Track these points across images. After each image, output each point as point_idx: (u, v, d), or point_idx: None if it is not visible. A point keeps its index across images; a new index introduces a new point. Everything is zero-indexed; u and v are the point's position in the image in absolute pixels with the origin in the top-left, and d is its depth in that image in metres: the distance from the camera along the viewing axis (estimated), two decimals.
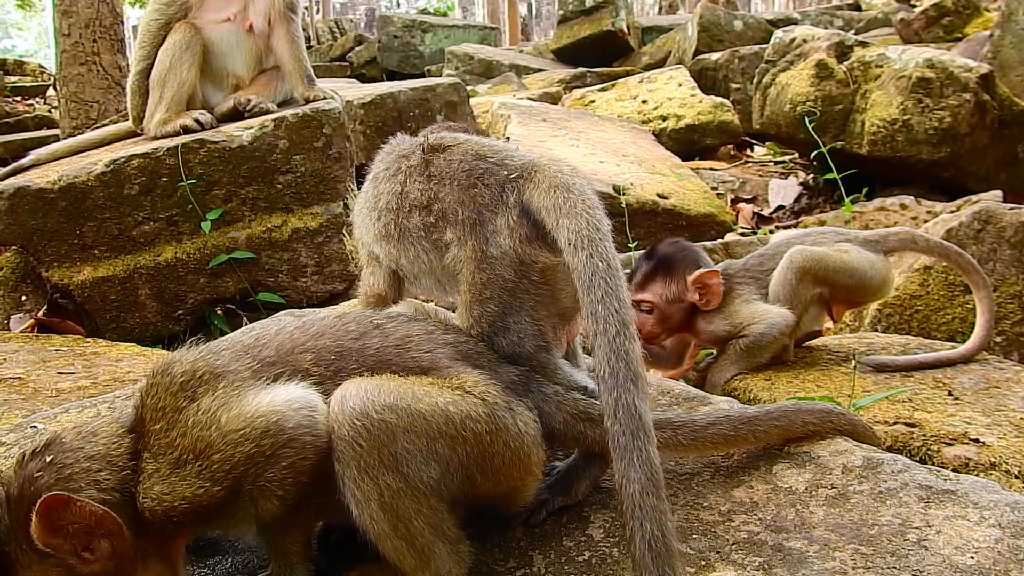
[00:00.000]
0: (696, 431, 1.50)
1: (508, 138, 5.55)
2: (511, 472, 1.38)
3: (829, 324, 3.38)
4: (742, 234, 5.13)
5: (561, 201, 1.40)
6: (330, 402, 1.30)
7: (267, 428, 1.28)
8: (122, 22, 7.33)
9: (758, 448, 1.63)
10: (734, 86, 8.87)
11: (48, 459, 1.29)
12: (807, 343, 2.91)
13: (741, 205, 6.14)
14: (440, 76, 10.36)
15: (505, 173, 1.50)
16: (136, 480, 1.30)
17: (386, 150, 1.74)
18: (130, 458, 1.32)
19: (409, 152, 1.64)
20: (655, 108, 7.59)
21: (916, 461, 1.59)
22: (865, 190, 5.60)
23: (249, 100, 4.06)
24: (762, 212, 6.11)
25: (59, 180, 3.70)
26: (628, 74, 9.71)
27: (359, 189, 1.77)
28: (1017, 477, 2.06)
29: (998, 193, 4.87)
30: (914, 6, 12.44)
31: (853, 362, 2.46)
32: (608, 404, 1.26)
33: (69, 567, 1.26)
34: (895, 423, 2.30)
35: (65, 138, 5.33)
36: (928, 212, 4.75)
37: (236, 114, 4.12)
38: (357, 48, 20.06)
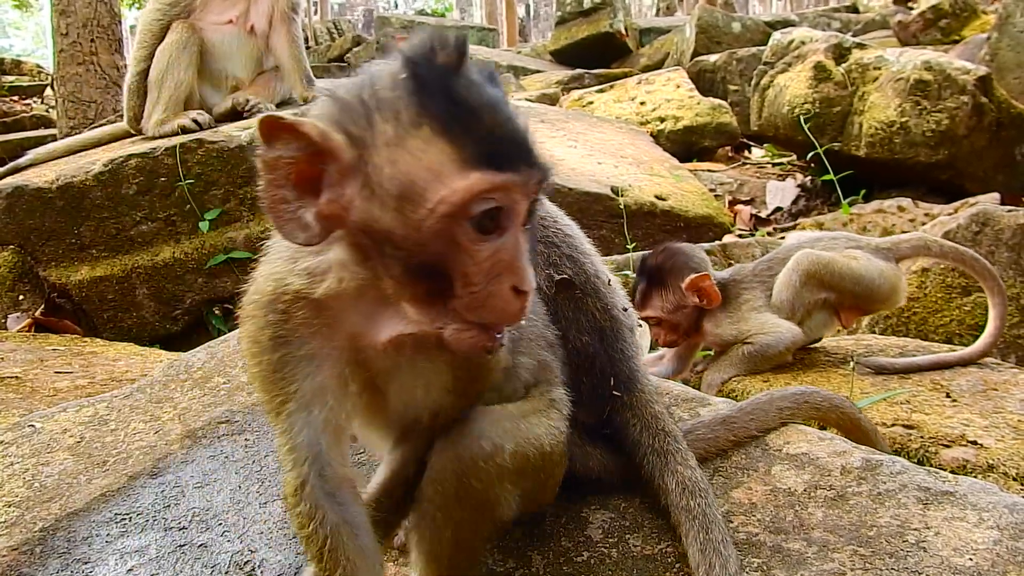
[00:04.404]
0: None
1: None
2: (542, 495, 1.36)
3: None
4: (740, 236, 5.13)
5: (673, 449, 1.52)
6: (452, 433, 1.20)
7: None
8: (120, 22, 7.31)
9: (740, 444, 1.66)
10: (732, 88, 8.89)
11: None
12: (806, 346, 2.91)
13: (739, 207, 6.14)
14: None
15: (611, 384, 1.55)
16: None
17: None
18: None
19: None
20: (653, 109, 7.60)
21: (914, 463, 1.60)
22: (863, 192, 5.60)
23: (248, 100, 4.06)
24: (760, 214, 6.12)
25: (57, 179, 3.69)
26: (626, 75, 9.71)
27: None
28: (1015, 479, 2.06)
29: (996, 195, 4.88)
30: (911, 8, 12.46)
31: (851, 364, 2.46)
32: None
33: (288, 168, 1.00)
34: (893, 425, 2.31)
35: (62, 138, 5.33)
36: (926, 214, 4.75)
37: (234, 114, 4.12)
38: (355, 49, 20.05)
